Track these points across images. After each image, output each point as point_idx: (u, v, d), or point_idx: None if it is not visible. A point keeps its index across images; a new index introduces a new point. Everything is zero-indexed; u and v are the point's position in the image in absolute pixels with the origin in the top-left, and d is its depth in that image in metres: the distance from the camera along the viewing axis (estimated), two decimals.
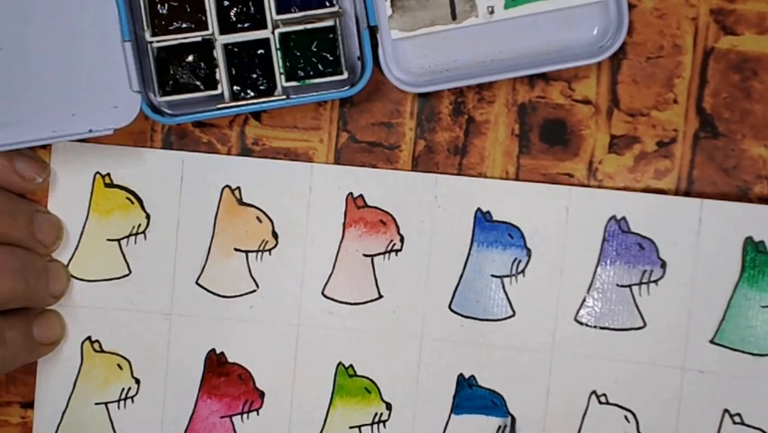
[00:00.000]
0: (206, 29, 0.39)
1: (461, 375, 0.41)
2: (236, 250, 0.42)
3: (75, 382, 0.42)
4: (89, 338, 0.42)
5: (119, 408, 0.42)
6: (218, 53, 0.39)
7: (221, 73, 0.39)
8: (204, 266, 0.42)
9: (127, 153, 0.42)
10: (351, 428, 0.42)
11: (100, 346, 0.42)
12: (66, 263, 0.42)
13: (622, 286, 0.41)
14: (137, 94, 0.39)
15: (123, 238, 0.42)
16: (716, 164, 0.41)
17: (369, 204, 0.42)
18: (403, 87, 0.40)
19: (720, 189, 0.41)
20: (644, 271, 0.41)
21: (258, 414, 0.42)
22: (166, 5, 0.39)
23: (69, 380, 0.42)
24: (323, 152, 0.42)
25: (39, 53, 0.38)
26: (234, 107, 0.39)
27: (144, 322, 0.42)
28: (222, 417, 0.42)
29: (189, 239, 0.42)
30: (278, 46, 0.39)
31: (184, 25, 0.39)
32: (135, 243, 0.42)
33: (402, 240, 0.41)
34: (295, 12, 0.39)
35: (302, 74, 0.39)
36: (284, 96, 0.39)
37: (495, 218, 0.41)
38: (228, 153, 0.42)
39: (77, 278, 0.42)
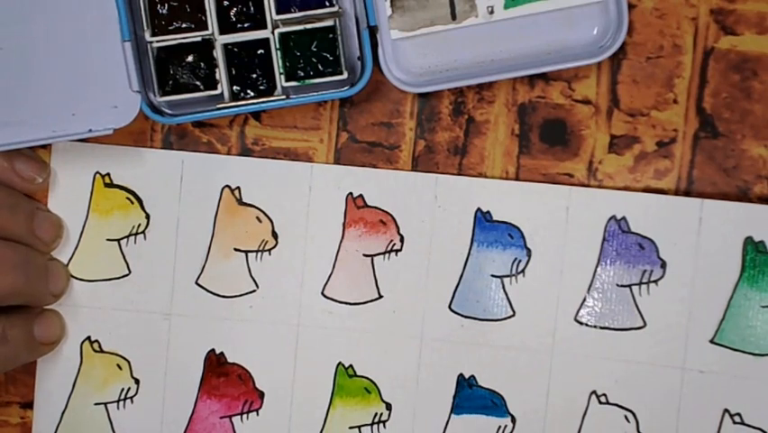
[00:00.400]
0: (206, 29, 0.39)
1: (461, 375, 0.41)
2: (236, 250, 0.42)
3: (74, 382, 0.42)
4: (89, 338, 0.42)
5: (118, 408, 0.42)
6: (218, 53, 0.39)
7: (221, 73, 0.39)
8: (203, 266, 0.42)
9: (127, 153, 0.42)
10: (351, 428, 0.42)
11: (100, 346, 0.42)
12: (66, 263, 0.42)
13: (622, 286, 0.41)
14: (137, 94, 0.39)
15: (122, 238, 0.42)
16: (716, 164, 0.41)
17: (369, 204, 0.42)
18: (403, 87, 0.40)
19: (720, 189, 0.41)
20: (644, 271, 0.41)
21: (258, 414, 0.42)
22: (166, 5, 0.39)
23: (69, 380, 0.42)
24: (323, 152, 0.42)
25: (39, 53, 0.38)
26: (234, 107, 0.39)
27: (144, 322, 0.42)
28: (221, 417, 0.42)
29: (189, 239, 0.42)
30: (277, 46, 0.39)
31: (184, 25, 0.39)
32: (135, 243, 0.42)
33: (402, 240, 0.41)
34: (295, 12, 0.39)
35: (302, 74, 0.39)
36: (284, 96, 0.39)
37: (495, 218, 0.41)
38: (228, 153, 0.42)
39: (76, 278, 0.42)
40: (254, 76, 0.40)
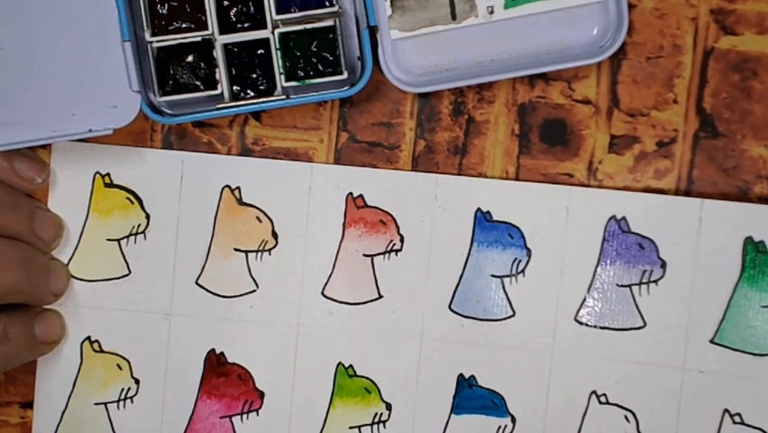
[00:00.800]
0: (206, 29, 0.39)
1: (461, 375, 0.41)
2: (236, 250, 0.42)
3: (74, 382, 0.42)
4: (89, 338, 0.42)
5: (119, 408, 0.42)
6: (218, 53, 0.39)
7: (221, 73, 0.39)
8: (204, 266, 0.42)
9: (127, 153, 0.42)
10: (351, 428, 0.42)
11: (100, 346, 0.42)
12: (66, 263, 0.42)
13: (622, 286, 0.41)
14: (137, 94, 0.39)
15: (122, 238, 0.42)
16: (716, 164, 0.41)
17: (369, 204, 0.42)
18: (403, 87, 0.40)
19: (720, 189, 0.41)
20: (644, 271, 0.41)
21: (258, 414, 0.42)
22: (166, 5, 0.39)
23: (69, 380, 0.42)
24: (323, 152, 0.42)
25: (39, 53, 0.38)
26: (234, 107, 0.39)
27: (144, 322, 0.42)
28: (221, 417, 0.42)
29: (189, 239, 0.42)
30: (277, 46, 0.39)
31: (184, 25, 0.39)
32: (135, 243, 0.42)
33: (402, 240, 0.41)
34: (295, 12, 0.39)
35: (302, 74, 0.39)
36: (284, 96, 0.39)
37: (495, 218, 0.41)
38: (228, 153, 0.42)
39: (77, 278, 0.42)
40: (254, 76, 0.40)
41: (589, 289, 0.41)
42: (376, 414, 0.42)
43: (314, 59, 0.39)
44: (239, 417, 0.42)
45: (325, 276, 0.42)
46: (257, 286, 0.42)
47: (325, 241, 0.42)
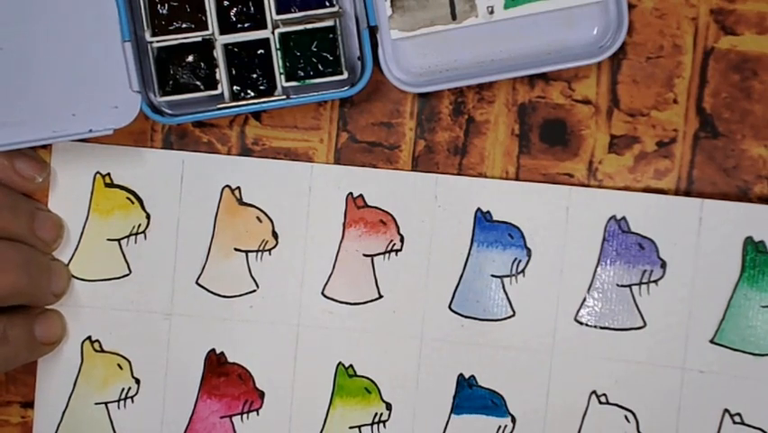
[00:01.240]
0: (206, 29, 0.39)
1: (461, 375, 0.41)
2: (236, 250, 0.42)
3: (75, 381, 0.42)
4: (89, 338, 0.42)
5: (119, 408, 0.42)
6: (218, 53, 0.39)
7: (221, 73, 0.39)
8: (204, 266, 0.42)
9: (127, 153, 0.42)
10: (351, 428, 0.42)
11: (100, 346, 0.42)
12: (66, 263, 0.42)
13: (622, 286, 0.41)
14: (137, 94, 0.39)
15: (123, 238, 0.42)
16: (716, 164, 0.41)
17: (369, 204, 0.42)
18: (403, 87, 0.40)
19: (720, 189, 0.41)
20: (644, 271, 0.41)
21: (258, 414, 0.42)
22: (166, 5, 0.39)
23: (69, 380, 0.42)
24: (323, 152, 0.42)
25: (39, 53, 0.38)
26: (234, 107, 0.39)
27: (144, 322, 0.42)
28: (222, 417, 0.42)
29: (189, 239, 0.42)
30: (278, 46, 0.39)
31: (184, 25, 0.39)
32: (135, 242, 0.42)
33: (402, 240, 0.41)
34: (295, 12, 0.39)
35: (302, 74, 0.39)
36: (284, 96, 0.39)
37: (495, 218, 0.41)
38: (228, 153, 0.42)
39: (77, 278, 0.42)
40: (254, 76, 0.40)
41: (589, 289, 0.41)
42: (376, 414, 0.42)
43: (314, 59, 0.39)
44: (239, 416, 0.42)
45: (325, 276, 0.42)
46: (257, 286, 0.42)
47: (325, 241, 0.42)
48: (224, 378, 0.42)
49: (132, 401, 0.42)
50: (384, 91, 0.41)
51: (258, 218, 0.42)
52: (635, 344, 0.41)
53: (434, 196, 0.41)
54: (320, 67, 0.39)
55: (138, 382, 0.42)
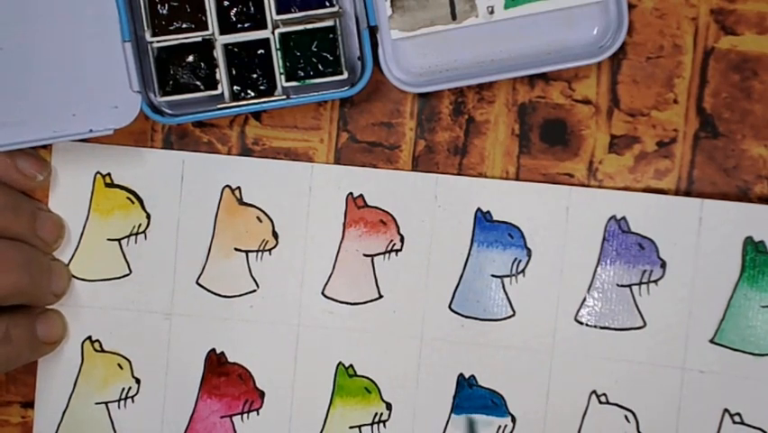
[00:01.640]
0: (206, 29, 0.39)
1: (461, 375, 0.41)
2: (236, 250, 0.42)
3: (75, 381, 0.42)
4: (90, 338, 0.42)
5: (119, 407, 0.42)
6: (218, 53, 0.39)
7: (221, 73, 0.39)
8: (204, 266, 0.42)
9: (127, 153, 0.42)
10: (351, 428, 0.42)
11: (100, 346, 0.42)
12: (66, 263, 0.42)
13: (622, 286, 0.41)
14: (137, 94, 0.39)
15: (123, 238, 0.42)
16: (716, 164, 0.41)
17: (369, 204, 0.42)
18: (403, 87, 0.40)
19: (720, 189, 0.41)
20: (644, 271, 0.41)
21: (258, 414, 0.42)
22: (166, 5, 0.39)
23: (70, 379, 0.42)
24: (323, 152, 0.42)
25: (39, 53, 0.38)
26: (234, 107, 0.39)
27: (144, 322, 0.42)
28: (222, 417, 0.42)
29: (189, 239, 0.42)
30: (278, 46, 0.39)
31: (184, 25, 0.39)
32: (136, 242, 0.42)
33: (402, 240, 0.41)
34: (295, 12, 0.39)
35: (302, 74, 0.39)
36: (284, 96, 0.39)
37: (495, 218, 0.41)
38: (228, 153, 0.42)
39: (77, 278, 0.42)
40: (254, 76, 0.40)
41: (589, 289, 0.41)
42: (376, 414, 0.42)
43: (314, 60, 0.39)
44: (239, 416, 0.42)
45: (326, 276, 0.42)
46: (257, 286, 0.42)
47: (326, 241, 0.42)
48: (225, 378, 0.42)
49: (133, 401, 0.42)
50: (384, 91, 0.41)
51: (258, 218, 0.42)
52: (635, 344, 0.41)
53: (434, 196, 0.41)
54: (320, 67, 0.39)
55: (138, 381, 0.42)
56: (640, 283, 0.41)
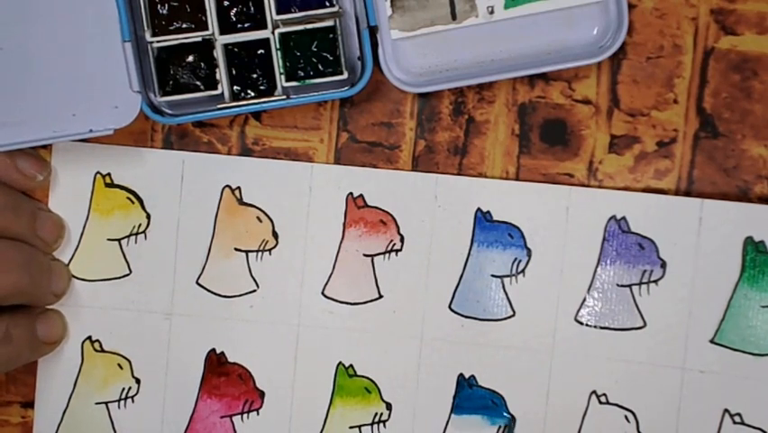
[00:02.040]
0: (206, 29, 0.39)
1: (461, 375, 0.41)
2: (236, 250, 0.42)
3: (75, 381, 0.42)
4: (90, 338, 0.42)
5: (119, 407, 0.42)
6: (218, 53, 0.39)
7: (221, 73, 0.39)
8: (204, 266, 0.42)
9: (127, 153, 0.42)
10: (351, 428, 0.42)
11: (100, 346, 0.42)
12: (66, 263, 0.42)
13: (622, 286, 0.41)
14: (137, 94, 0.39)
15: (123, 238, 0.42)
16: (716, 164, 0.41)
17: (369, 204, 0.42)
18: (403, 87, 0.40)
19: (720, 189, 0.41)
20: (644, 271, 0.41)
21: (258, 414, 0.42)
22: (166, 5, 0.39)
23: (70, 379, 0.42)
24: (323, 152, 0.42)
25: (39, 53, 0.38)
26: (234, 107, 0.39)
27: (144, 322, 0.42)
28: (222, 417, 0.42)
29: (189, 239, 0.42)
30: (278, 46, 0.39)
31: (184, 25, 0.39)
32: (136, 242, 0.42)
33: (402, 240, 0.41)
34: (295, 12, 0.39)
35: (302, 74, 0.39)
36: (284, 96, 0.39)
37: (495, 218, 0.41)
38: (228, 153, 0.42)
39: (77, 278, 0.42)
40: (254, 76, 0.40)
41: (589, 289, 0.41)
42: (376, 414, 0.42)
43: (314, 59, 0.39)
44: (239, 416, 0.42)
45: (326, 276, 0.42)
46: (257, 286, 0.42)
47: (326, 241, 0.42)
48: (225, 378, 0.42)
49: (133, 401, 0.42)
50: (384, 91, 0.41)
51: (258, 218, 0.42)
52: (635, 344, 0.41)
53: (434, 196, 0.41)
54: (320, 67, 0.39)
55: (138, 381, 0.42)
56: (640, 283, 0.41)
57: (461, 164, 0.42)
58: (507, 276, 0.41)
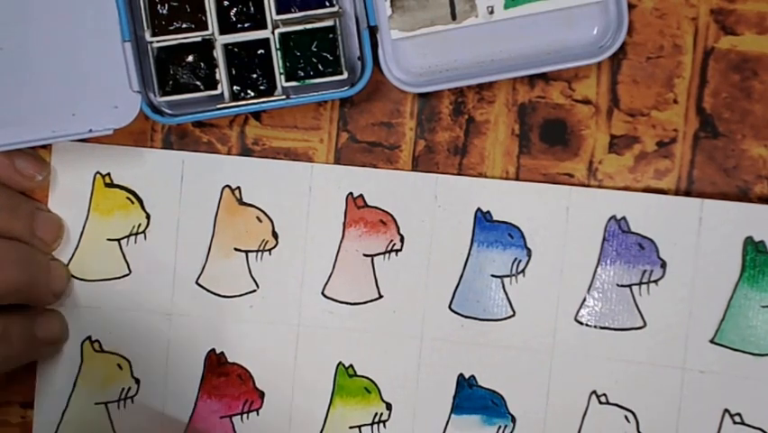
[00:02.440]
0: (206, 29, 0.39)
1: (461, 375, 0.41)
2: (236, 250, 0.42)
3: (75, 381, 0.42)
4: (89, 338, 0.42)
5: (119, 408, 0.42)
6: (218, 53, 0.39)
7: (221, 73, 0.39)
8: (204, 266, 0.42)
9: (127, 153, 0.42)
10: (351, 428, 0.42)
11: (100, 346, 0.42)
12: (66, 263, 0.42)
13: (622, 286, 0.41)
14: (137, 94, 0.39)
15: (123, 238, 0.42)
16: (716, 164, 0.41)
17: (369, 204, 0.42)
18: (403, 87, 0.40)
19: (720, 189, 0.41)
20: (645, 271, 0.41)
21: (258, 414, 0.42)
22: (166, 5, 0.39)
23: (69, 380, 0.42)
24: (323, 152, 0.42)
25: (39, 53, 0.38)
26: (234, 107, 0.39)
27: (144, 322, 0.42)
28: (222, 417, 0.42)
29: (189, 239, 0.42)
30: (278, 46, 0.39)
31: (184, 25, 0.39)
32: (135, 242, 0.42)
33: (402, 240, 0.41)
34: (295, 12, 0.39)
35: (302, 74, 0.39)
36: (284, 96, 0.39)
37: (495, 218, 0.41)
38: (228, 153, 0.42)
39: (77, 278, 0.42)
40: (254, 76, 0.40)
41: (589, 289, 0.41)
42: (376, 414, 0.42)
43: (314, 59, 0.39)
44: (239, 417, 0.42)
45: (325, 276, 0.42)
46: (257, 286, 0.42)
47: (326, 241, 0.42)
48: (224, 378, 0.42)
49: (132, 401, 0.42)
50: (384, 91, 0.41)
51: (258, 218, 0.42)
52: (635, 344, 0.41)
53: (434, 196, 0.41)
54: (320, 67, 0.39)
55: (138, 382, 0.42)
56: (640, 283, 0.41)
57: (461, 164, 0.42)
58: (507, 276, 0.41)
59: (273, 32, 0.39)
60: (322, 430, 0.42)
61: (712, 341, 0.40)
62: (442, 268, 0.41)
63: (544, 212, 0.41)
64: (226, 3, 0.39)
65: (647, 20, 0.41)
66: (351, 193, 0.42)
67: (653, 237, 0.41)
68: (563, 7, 0.40)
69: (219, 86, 0.39)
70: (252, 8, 0.39)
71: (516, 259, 0.41)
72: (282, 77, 0.39)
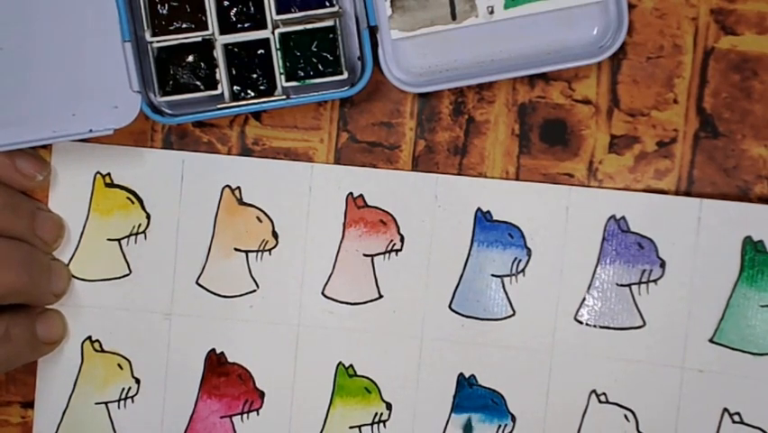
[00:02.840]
0: (206, 29, 0.39)
1: (461, 375, 0.41)
2: (236, 250, 0.42)
3: (75, 381, 0.42)
4: (90, 338, 0.42)
5: (119, 407, 0.42)
6: (218, 53, 0.39)
7: (221, 73, 0.39)
8: (204, 266, 0.42)
9: (127, 153, 0.42)
10: (351, 428, 0.42)
11: (100, 346, 0.42)
12: (66, 263, 0.42)
13: (622, 285, 0.41)
14: (137, 94, 0.39)
15: (123, 238, 0.42)
16: (716, 164, 0.41)
17: (369, 204, 0.42)
18: (403, 87, 0.40)
19: (720, 189, 0.41)
20: (644, 271, 0.41)
21: (258, 414, 0.42)
22: (166, 5, 0.39)
23: (70, 379, 0.42)
24: (323, 152, 0.42)
25: (39, 53, 0.38)
26: (234, 107, 0.39)
27: (144, 322, 0.42)
28: (222, 417, 0.42)
29: (189, 239, 0.42)
30: (278, 46, 0.39)
31: (184, 25, 0.39)
32: (135, 242, 0.42)
33: (402, 240, 0.41)
34: (295, 12, 0.39)
35: (302, 74, 0.39)
36: (284, 96, 0.39)
37: (495, 218, 0.41)
38: (228, 153, 0.42)
39: (77, 278, 0.42)
40: (254, 76, 0.40)
41: (588, 288, 0.41)
42: (376, 414, 0.42)
43: (314, 59, 0.39)
44: (239, 416, 0.42)
45: (326, 276, 0.42)
46: (257, 286, 0.42)
47: (326, 241, 0.42)
48: (224, 378, 0.42)
49: (132, 401, 0.42)
50: (384, 91, 0.41)
51: (258, 218, 0.42)
52: (635, 343, 0.41)
53: (434, 196, 0.41)
54: (320, 67, 0.39)
55: (138, 382, 0.42)
56: (639, 283, 0.41)
57: (461, 164, 0.42)
58: (507, 276, 0.41)
59: (273, 32, 0.39)
60: (322, 430, 0.42)
61: (711, 340, 0.40)
62: (442, 268, 0.41)
63: (544, 212, 0.41)
64: (226, 3, 0.39)
65: (647, 20, 0.41)
66: (351, 193, 0.42)
67: (652, 237, 0.41)
68: (563, 7, 0.40)
69: (219, 86, 0.39)
70: (252, 8, 0.39)
71: (516, 259, 0.41)
72: (282, 77, 0.39)
